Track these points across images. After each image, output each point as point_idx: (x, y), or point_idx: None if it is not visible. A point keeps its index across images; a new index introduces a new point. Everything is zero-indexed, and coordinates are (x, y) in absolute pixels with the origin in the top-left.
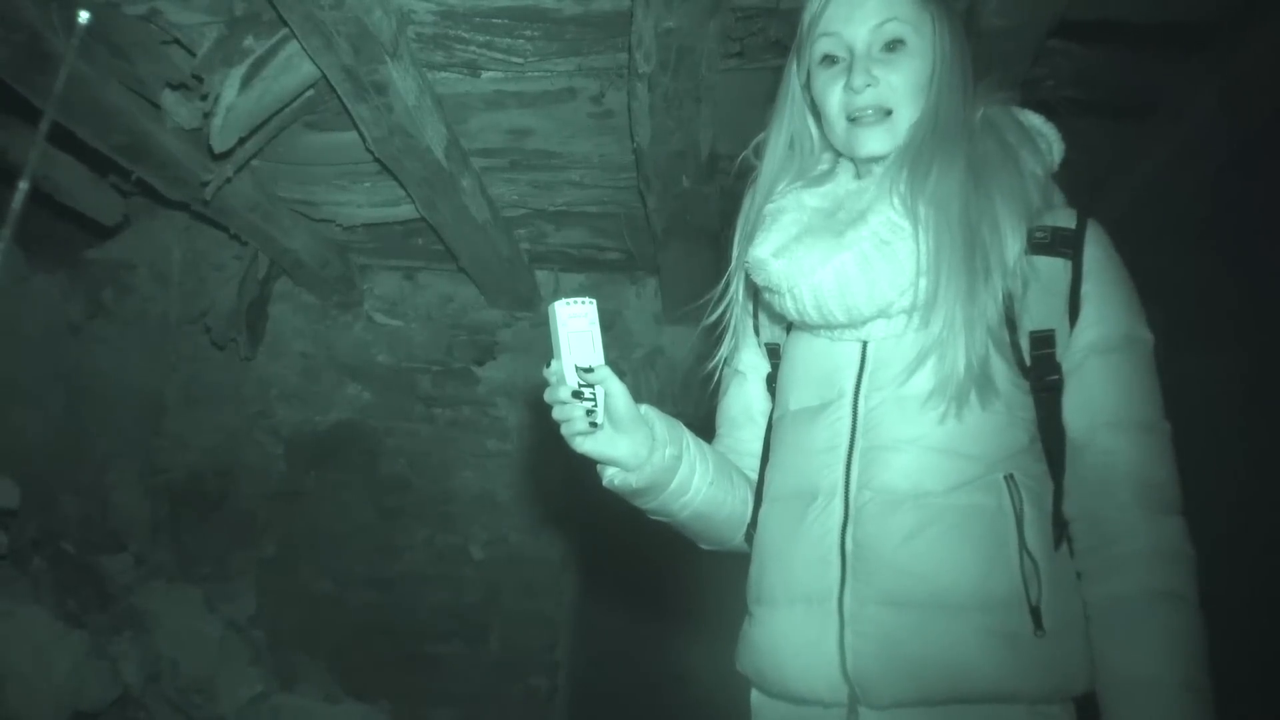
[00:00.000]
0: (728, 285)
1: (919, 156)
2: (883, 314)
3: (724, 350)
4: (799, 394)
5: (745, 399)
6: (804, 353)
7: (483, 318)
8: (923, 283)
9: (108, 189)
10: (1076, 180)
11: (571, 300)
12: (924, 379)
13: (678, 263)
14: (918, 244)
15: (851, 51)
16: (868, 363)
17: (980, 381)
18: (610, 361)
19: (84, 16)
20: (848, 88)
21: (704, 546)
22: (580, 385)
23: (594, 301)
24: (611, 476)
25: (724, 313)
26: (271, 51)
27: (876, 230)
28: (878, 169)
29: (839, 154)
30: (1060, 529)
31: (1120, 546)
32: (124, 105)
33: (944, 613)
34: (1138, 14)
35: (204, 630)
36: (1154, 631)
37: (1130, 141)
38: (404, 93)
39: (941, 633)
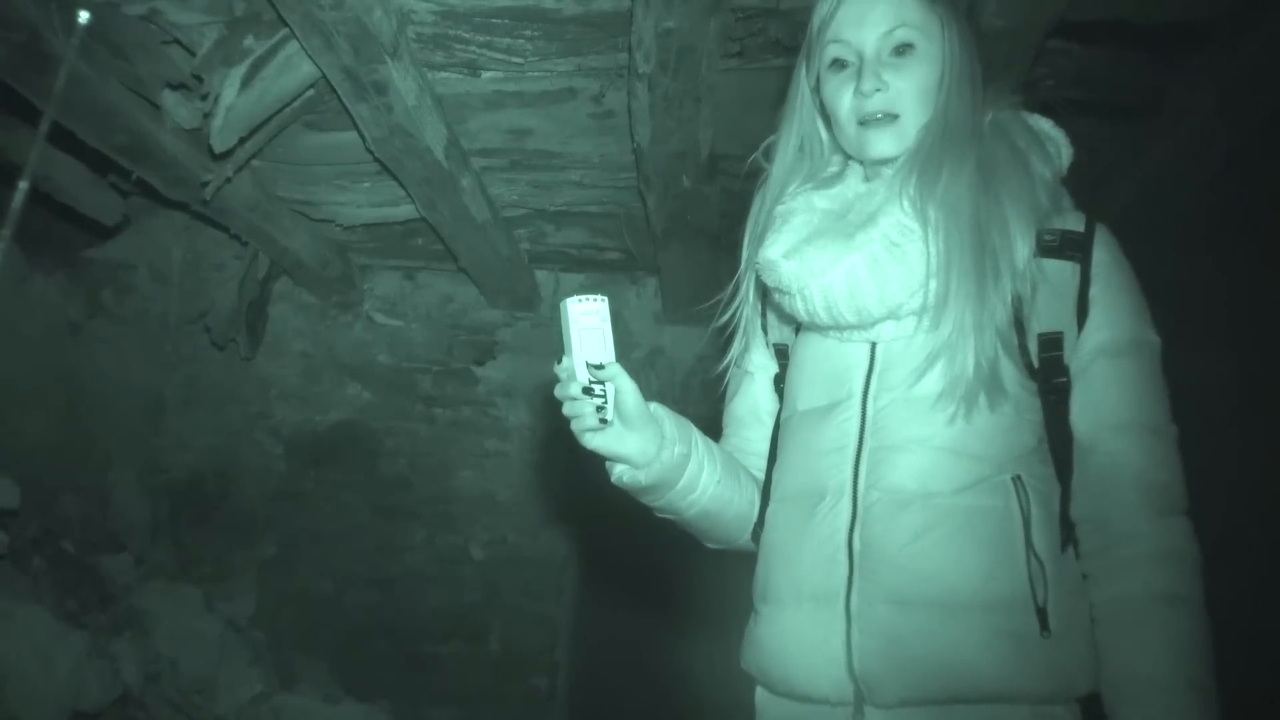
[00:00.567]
0: (738, 287)
1: (929, 159)
2: (892, 315)
3: (734, 351)
4: (807, 394)
5: (753, 399)
6: (813, 353)
7: (483, 318)
8: (933, 285)
9: (108, 189)
10: (1077, 180)
11: (583, 297)
12: (933, 380)
13: (678, 263)
14: (927, 246)
15: (861, 56)
16: (876, 364)
17: (989, 383)
18: (619, 359)
19: (84, 16)
20: (858, 92)
21: (710, 545)
22: (591, 382)
23: (606, 299)
24: (620, 473)
25: (734, 314)
26: (271, 51)
27: (887, 232)
28: (887, 171)
29: (848, 156)
30: (1067, 530)
31: (1126, 548)
32: (124, 105)
33: (951, 613)
34: (1138, 14)
35: (204, 630)
36: (1159, 632)
37: (1130, 141)
38: (404, 93)
39: (948, 633)
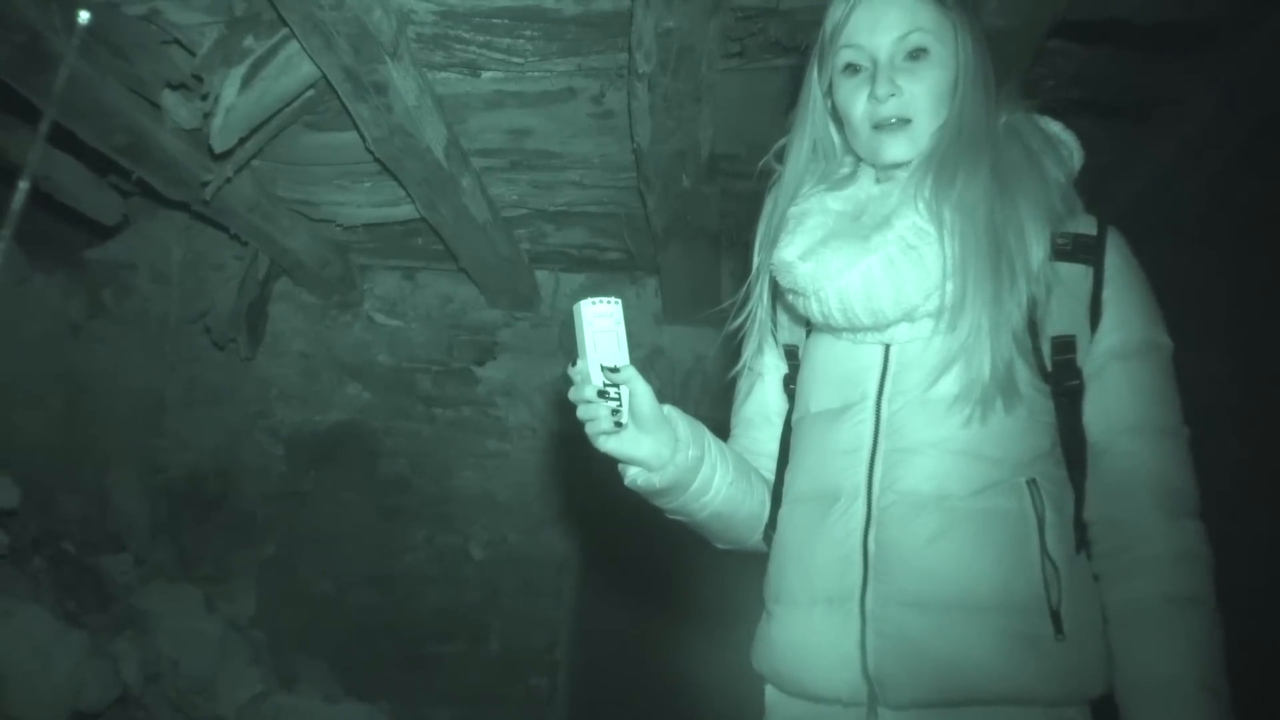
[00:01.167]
0: (751, 288)
1: (944, 163)
2: (907, 318)
3: (748, 352)
4: (820, 396)
5: (762, 400)
6: (825, 355)
7: (483, 318)
8: (948, 287)
9: (108, 189)
10: (1078, 180)
11: (597, 300)
12: (949, 383)
13: (678, 263)
14: (943, 249)
15: (875, 61)
16: (890, 366)
17: (1006, 386)
18: (640, 361)
19: (84, 16)
20: (871, 97)
21: (720, 546)
22: (606, 385)
23: (619, 301)
24: (634, 476)
25: (747, 316)
26: (271, 51)
27: (903, 235)
28: (901, 174)
29: (860, 158)
30: (1080, 533)
31: (1139, 550)
32: (124, 105)
33: (966, 615)
34: (1138, 14)
35: (204, 630)
36: (1173, 634)
37: (1130, 141)
38: (404, 93)
39: (963, 635)
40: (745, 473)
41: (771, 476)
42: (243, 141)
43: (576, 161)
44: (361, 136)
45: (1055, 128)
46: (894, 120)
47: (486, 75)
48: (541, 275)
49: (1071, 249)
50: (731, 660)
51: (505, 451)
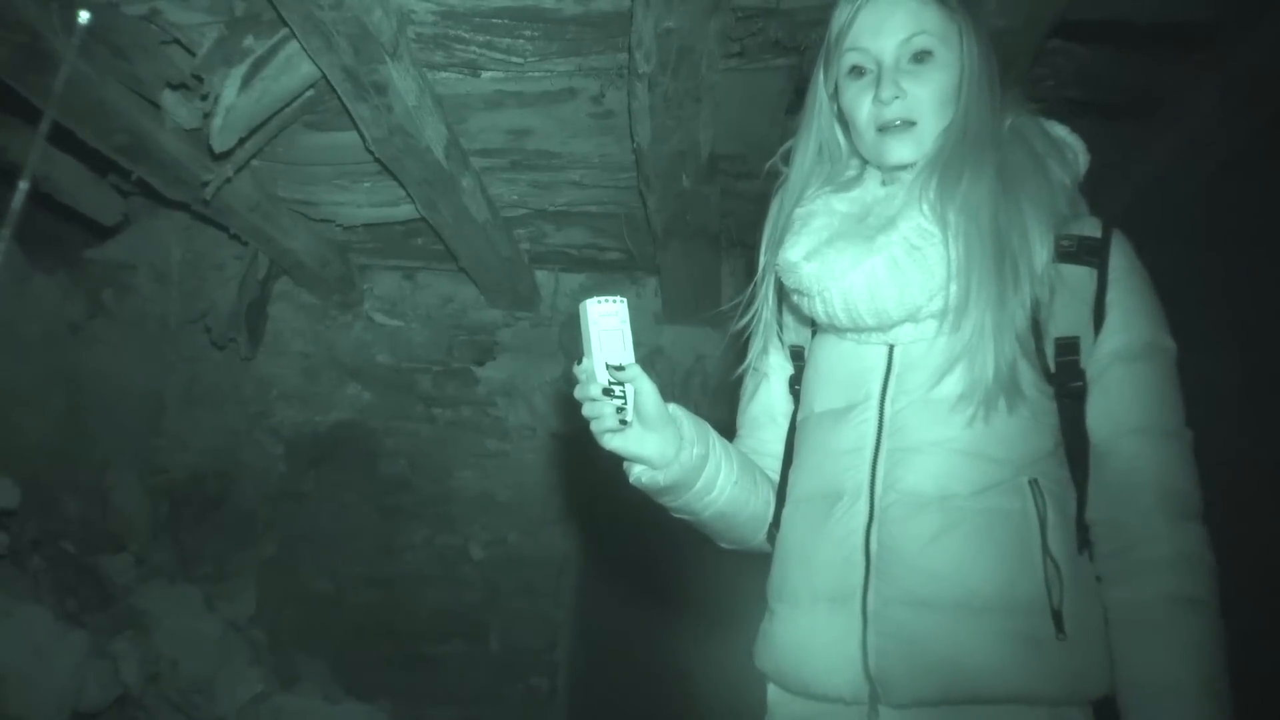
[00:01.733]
0: (756, 289)
1: (949, 164)
2: (911, 318)
3: (753, 354)
4: (824, 396)
5: (768, 400)
6: (830, 355)
7: (483, 318)
8: (952, 288)
9: (108, 189)
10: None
11: (602, 299)
12: (953, 383)
13: (678, 263)
14: (948, 250)
15: (879, 64)
16: (894, 366)
17: (1009, 386)
18: (640, 361)
19: (84, 16)
20: (876, 100)
21: (724, 545)
22: (611, 383)
23: (625, 300)
24: (639, 474)
25: (753, 317)
26: (271, 51)
27: (907, 236)
28: (906, 176)
29: (866, 160)
30: (1082, 534)
31: (1142, 552)
32: (124, 105)
33: (967, 614)
34: (1138, 14)
35: (204, 630)
36: (1175, 636)
37: (1130, 141)
38: (404, 93)
39: (964, 634)
40: (750, 472)
41: (777, 477)
42: (243, 141)
43: (576, 161)
44: (361, 136)
45: (1061, 131)
46: (898, 123)
47: (486, 75)
48: (541, 275)
49: (1076, 251)
50: (731, 660)
51: (505, 451)
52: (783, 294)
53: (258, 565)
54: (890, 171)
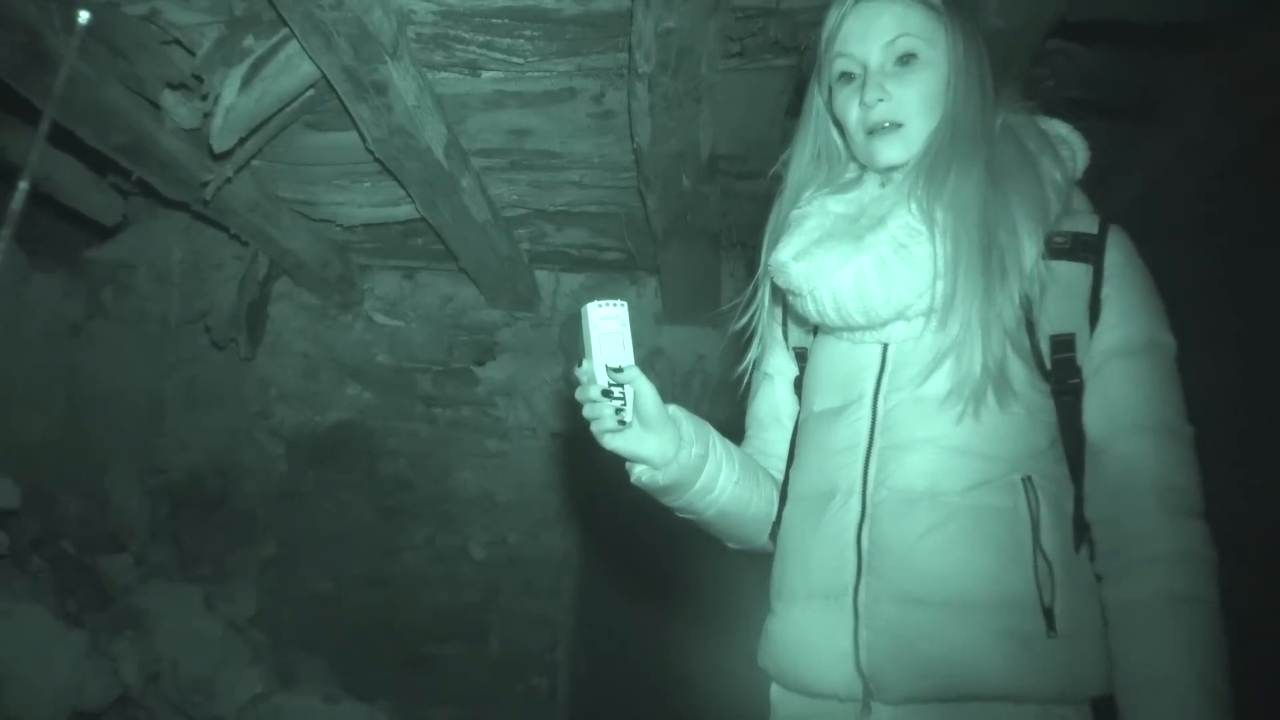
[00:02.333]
0: (755, 290)
1: (936, 163)
2: (901, 316)
3: (752, 354)
4: (822, 396)
5: (773, 401)
6: (828, 355)
7: (483, 318)
8: (940, 285)
9: (108, 189)
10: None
11: (603, 302)
12: (941, 379)
13: (678, 263)
14: (934, 248)
15: (865, 68)
16: (888, 364)
17: (997, 383)
18: (640, 361)
19: (84, 16)
20: (862, 103)
21: (730, 546)
22: (610, 385)
23: (625, 304)
24: (640, 474)
25: (752, 317)
26: (271, 51)
27: (894, 234)
28: (898, 176)
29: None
30: (1081, 532)
31: (1140, 549)
32: (124, 105)
33: (957, 611)
34: (1138, 14)
35: (204, 630)
36: (1173, 634)
37: (1130, 141)
38: (404, 93)
39: (954, 631)
40: (753, 473)
41: (781, 477)
42: (243, 141)
43: (576, 161)
44: (361, 136)
45: (1060, 128)
46: (885, 124)
47: (486, 75)
48: (541, 275)
49: (1070, 247)
50: (732, 660)
51: (505, 451)
52: (785, 296)
53: (258, 565)
54: (884, 172)
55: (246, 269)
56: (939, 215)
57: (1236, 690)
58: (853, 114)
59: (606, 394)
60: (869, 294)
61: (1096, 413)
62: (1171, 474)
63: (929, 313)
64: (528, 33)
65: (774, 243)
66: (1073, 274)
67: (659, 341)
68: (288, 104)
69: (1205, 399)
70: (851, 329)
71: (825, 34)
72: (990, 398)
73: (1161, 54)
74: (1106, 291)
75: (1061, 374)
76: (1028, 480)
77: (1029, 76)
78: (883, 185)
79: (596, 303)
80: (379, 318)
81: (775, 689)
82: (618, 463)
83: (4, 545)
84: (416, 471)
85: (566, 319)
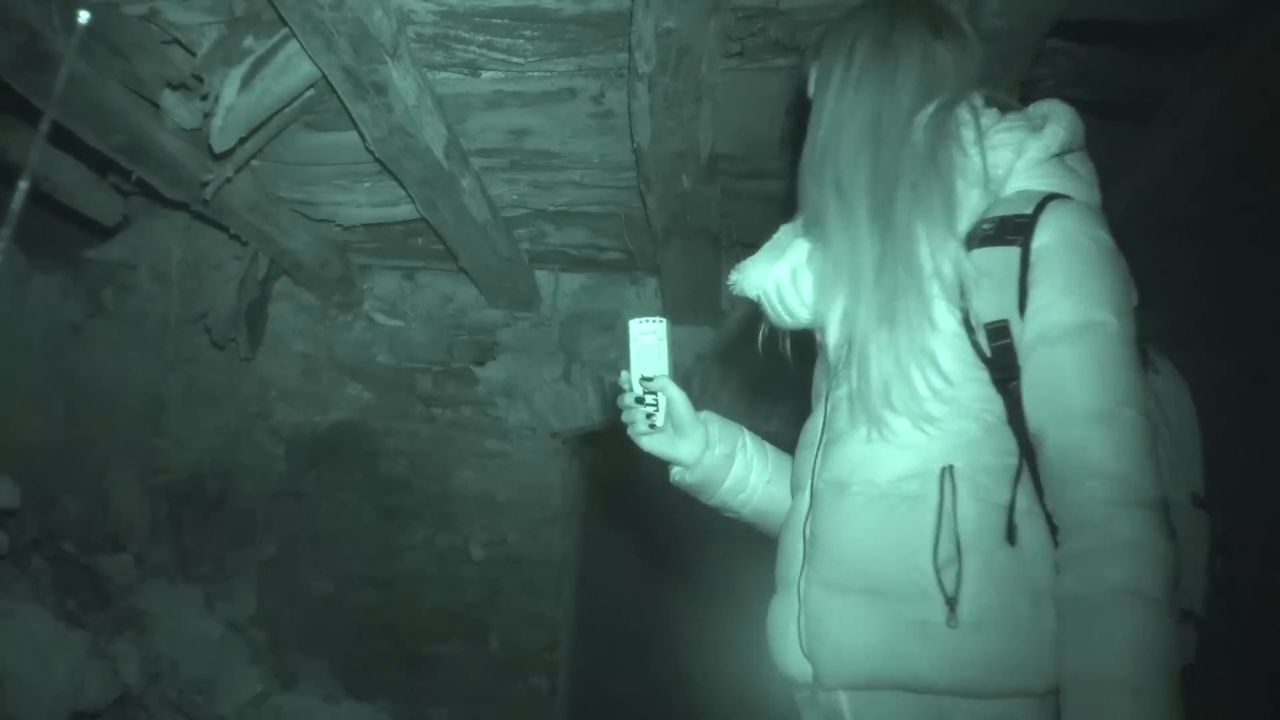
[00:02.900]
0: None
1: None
2: (820, 318)
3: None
4: (812, 396)
5: None
6: (819, 360)
7: (483, 318)
8: (842, 294)
9: (108, 189)
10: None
11: (644, 319)
12: (853, 379)
13: (678, 263)
14: (829, 258)
15: None
16: (832, 363)
17: (885, 394)
18: (675, 368)
19: (84, 16)
20: None
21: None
22: (644, 392)
23: (664, 320)
24: (675, 474)
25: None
26: (271, 51)
27: (801, 249)
28: None
29: None
30: (1033, 522)
31: (1077, 542)
32: (124, 105)
33: (869, 599)
34: (1138, 14)
35: (204, 630)
36: (1101, 630)
37: (1130, 141)
38: (404, 93)
39: (864, 618)
40: (787, 472)
41: None
42: (243, 141)
43: (576, 161)
44: (361, 136)
45: (1044, 107)
46: None
47: (486, 75)
48: (541, 275)
49: (995, 233)
50: (732, 660)
51: (505, 451)
52: None
53: (258, 565)
54: None
55: (246, 269)
56: (830, 224)
57: (1237, 690)
58: None
59: (639, 401)
60: (788, 299)
61: (1030, 402)
62: (1106, 462)
63: (841, 319)
64: (528, 33)
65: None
66: (1000, 259)
67: None
68: (288, 104)
69: (1205, 397)
70: (800, 330)
71: None
72: (882, 409)
73: (1161, 54)
74: (1033, 275)
75: (1001, 362)
76: (948, 470)
77: (1029, 76)
78: None
79: (638, 319)
80: (379, 318)
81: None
82: (619, 464)
83: (4, 545)
84: (416, 471)
85: (567, 319)
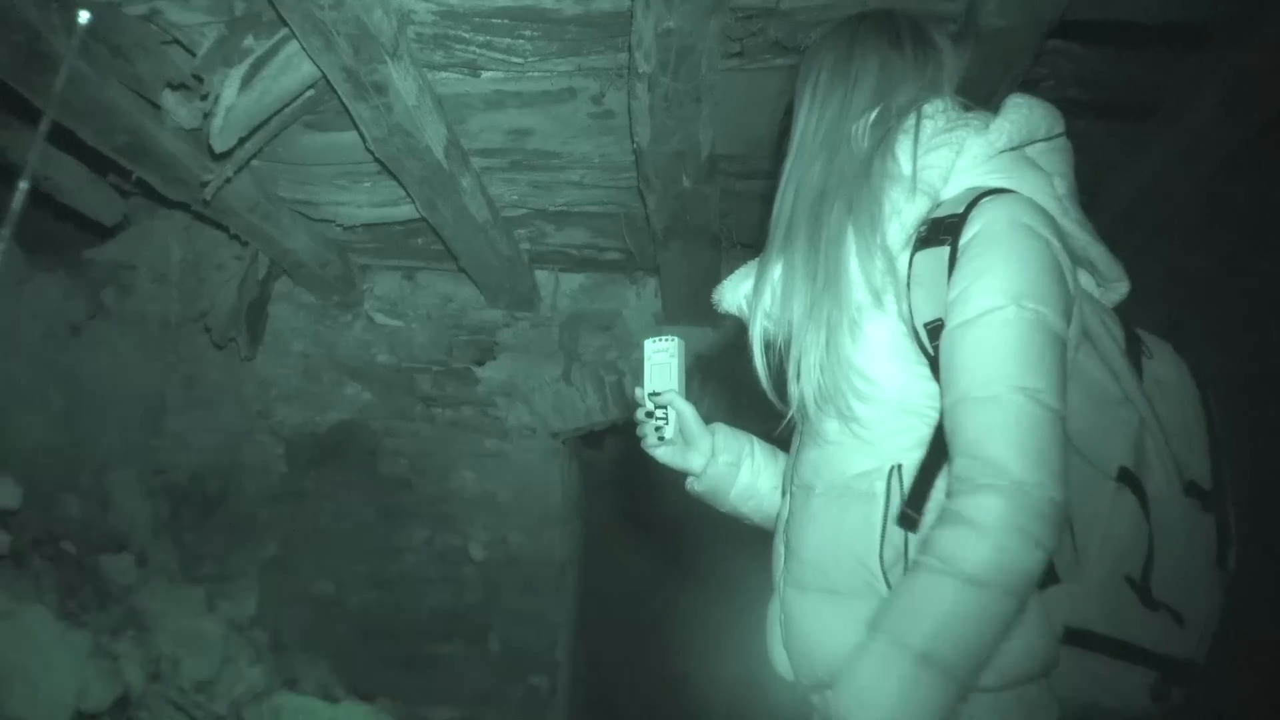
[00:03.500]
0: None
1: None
2: (783, 330)
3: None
4: None
5: None
6: None
7: (483, 318)
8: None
9: (108, 189)
10: (1077, 180)
11: (658, 338)
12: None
13: (678, 263)
14: (783, 273)
15: None
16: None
17: (814, 396)
18: (689, 384)
19: (84, 16)
20: None
21: None
22: (654, 407)
23: (676, 339)
24: (689, 484)
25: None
26: (271, 51)
27: (771, 264)
28: None
29: None
30: None
31: (934, 516)
32: (124, 105)
33: (827, 598)
34: (1138, 14)
35: (205, 630)
36: (914, 591)
37: (1130, 141)
38: (404, 93)
39: (824, 616)
40: None
41: None
42: (243, 141)
43: (576, 161)
44: (361, 136)
45: (1009, 101)
46: None
47: (486, 75)
48: (541, 275)
49: (929, 235)
50: (731, 659)
51: (505, 451)
52: None
53: (258, 565)
54: None
55: (246, 269)
56: (778, 240)
57: (1237, 689)
58: None
59: (650, 415)
60: (752, 311)
61: (940, 389)
62: (975, 443)
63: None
64: (528, 33)
65: None
66: (934, 261)
67: None
68: (288, 104)
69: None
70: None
71: None
72: (850, 402)
73: (1161, 54)
74: (956, 274)
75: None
76: (896, 469)
77: (1029, 76)
78: None
79: (652, 338)
80: (379, 318)
81: None
82: (621, 464)
83: (5, 545)
84: (416, 471)
85: (567, 319)
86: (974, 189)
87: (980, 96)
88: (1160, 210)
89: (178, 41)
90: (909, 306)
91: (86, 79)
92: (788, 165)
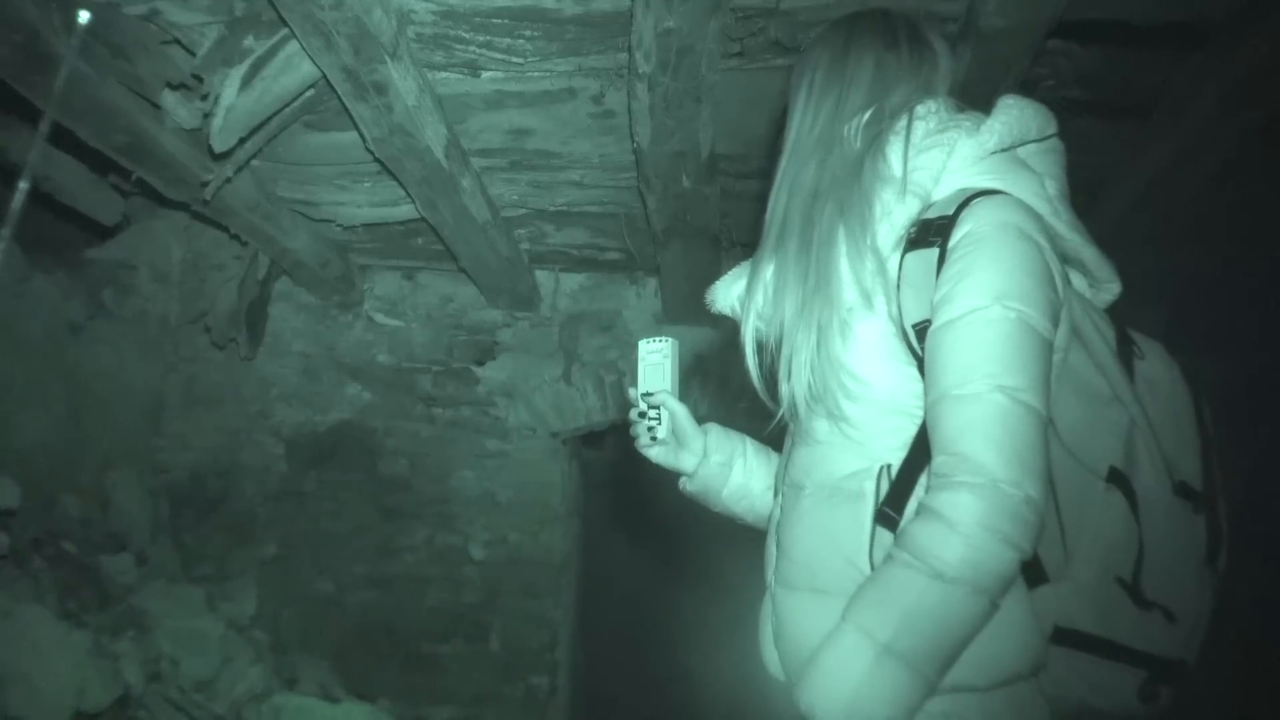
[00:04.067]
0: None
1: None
2: (775, 330)
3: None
4: None
5: None
6: None
7: (483, 318)
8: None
9: (108, 189)
10: (1077, 180)
11: (652, 339)
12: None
13: (678, 263)
14: (776, 274)
15: None
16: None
17: (805, 395)
18: (687, 385)
19: (84, 16)
20: None
21: None
22: (647, 407)
23: (670, 340)
24: (682, 483)
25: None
26: (271, 51)
27: (764, 266)
28: None
29: None
30: None
31: (913, 509)
32: (124, 105)
33: (815, 596)
34: (1137, 14)
35: (205, 630)
36: (886, 583)
37: (1130, 141)
38: (404, 93)
39: (812, 616)
40: None
41: None
42: (243, 141)
43: (576, 161)
44: (361, 136)
45: (1001, 102)
46: None
47: (486, 75)
48: (541, 275)
49: (918, 236)
50: (731, 658)
51: (505, 451)
52: None
53: (258, 565)
54: None
55: (246, 269)
56: (772, 239)
57: (1236, 689)
58: None
59: (643, 415)
60: (743, 314)
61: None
62: (952, 440)
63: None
64: (528, 33)
65: None
66: (923, 262)
67: None
68: (288, 104)
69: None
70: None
71: None
72: (841, 402)
73: (1161, 54)
74: (943, 275)
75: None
76: (885, 469)
77: (1029, 76)
78: None
79: (646, 339)
80: (379, 318)
81: None
82: (619, 466)
83: (4, 545)
84: (416, 471)
85: (566, 320)
86: (964, 190)
87: (980, 97)
88: (1161, 210)
89: (178, 41)
90: (898, 308)
91: (86, 79)
92: (782, 165)
